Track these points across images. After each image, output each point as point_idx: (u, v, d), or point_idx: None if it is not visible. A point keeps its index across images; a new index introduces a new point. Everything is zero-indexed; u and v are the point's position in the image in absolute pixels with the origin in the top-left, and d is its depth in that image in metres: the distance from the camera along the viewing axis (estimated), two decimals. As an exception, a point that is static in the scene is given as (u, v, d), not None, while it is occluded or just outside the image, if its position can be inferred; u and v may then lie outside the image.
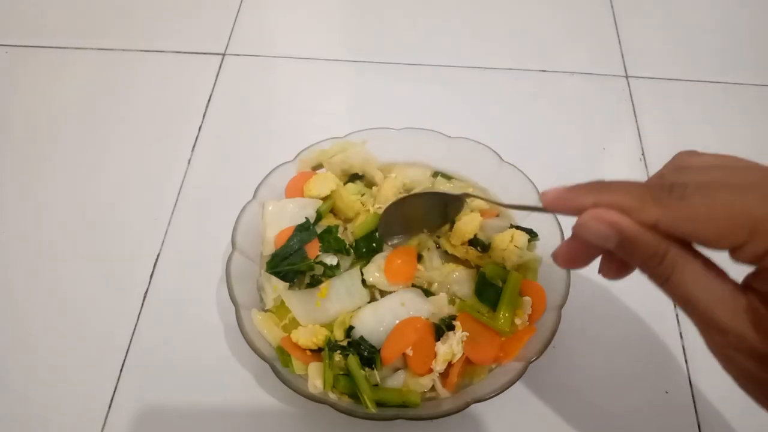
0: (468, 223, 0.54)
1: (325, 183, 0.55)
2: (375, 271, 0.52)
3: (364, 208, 0.56)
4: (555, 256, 0.35)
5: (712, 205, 0.27)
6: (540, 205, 0.33)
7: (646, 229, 0.29)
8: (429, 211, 0.52)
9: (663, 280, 0.29)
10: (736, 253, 0.27)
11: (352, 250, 0.53)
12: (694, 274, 0.28)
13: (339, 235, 0.53)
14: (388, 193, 0.56)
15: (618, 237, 0.29)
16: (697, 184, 0.28)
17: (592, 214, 0.30)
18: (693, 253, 0.29)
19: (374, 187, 0.58)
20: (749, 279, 0.29)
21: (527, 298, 0.50)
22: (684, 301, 0.29)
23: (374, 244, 0.54)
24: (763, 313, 0.27)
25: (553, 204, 0.32)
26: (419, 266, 0.53)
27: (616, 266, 0.34)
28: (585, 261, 0.35)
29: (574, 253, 0.34)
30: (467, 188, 0.59)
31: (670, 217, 0.28)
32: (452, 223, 0.55)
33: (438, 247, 0.55)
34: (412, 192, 0.55)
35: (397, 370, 0.48)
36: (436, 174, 0.60)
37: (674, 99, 0.74)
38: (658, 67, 0.77)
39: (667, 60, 0.78)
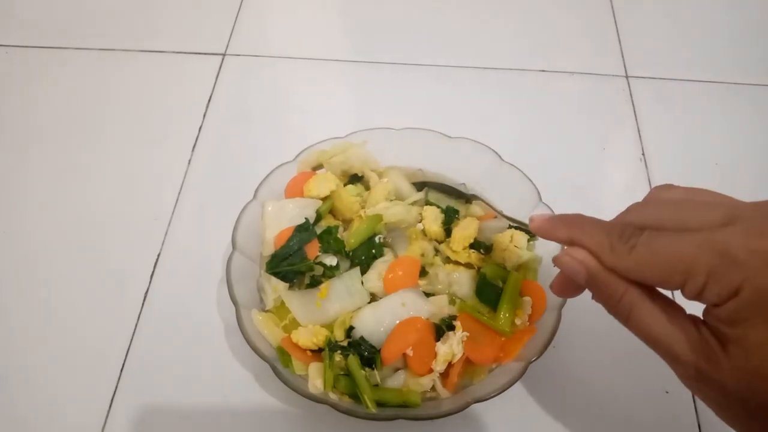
0: (466, 228, 0.54)
1: (324, 183, 0.55)
2: (376, 278, 0.52)
3: (358, 213, 0.56)
4: (551, 287, 0.41)
5: (654, 253, 0.31)
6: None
7: (607, 271, 0.33)
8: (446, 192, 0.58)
9: (624, 318, 0.33)
10: (683, 293, 0.30)
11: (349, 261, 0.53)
12: (651, 313, 0.32)
13: (338, 235, 0.53)
14: (379, 197, 0.56)
15: (585, 274, 0.33)
16: (650, 229, 0.31)
17: (567, 251, 0.34)
18: (651, 293, 0.32)
19: (366, 192, 0.58)
20: (703, 314, 0.31)
21: (527, 298, 0.50)
22: (645, 337, 0.32)
23: (373, 251, 0.53)
24: (713, 344, 0.30)
25: (536, 230, 0.37)
26: (421, 281, 0.53)
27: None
28: (576, 291, 0.39)
29: (565, 284, 0.39)
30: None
31: (622, 266, 0.32)
32: (449, 231, 0.55)
33: (437, 253, 0.55)
34: (434, 181, 0.59)
35: (397, 370, 0.48)
36: (423, 185, 0.59)
37: (674, 99, 0.74)
38: (658, 67, 0.77)
39: (667, 60, 0.78)
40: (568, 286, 0.39)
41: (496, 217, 0.57)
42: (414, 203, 0.57)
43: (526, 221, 0.44)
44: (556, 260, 0.35)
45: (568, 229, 0.35)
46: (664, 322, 0.31)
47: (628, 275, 0.32)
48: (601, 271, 0.33)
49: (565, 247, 0.36)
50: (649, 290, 0.32)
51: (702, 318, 0.31)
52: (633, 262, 0.31)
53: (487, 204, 0.53)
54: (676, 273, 0.30)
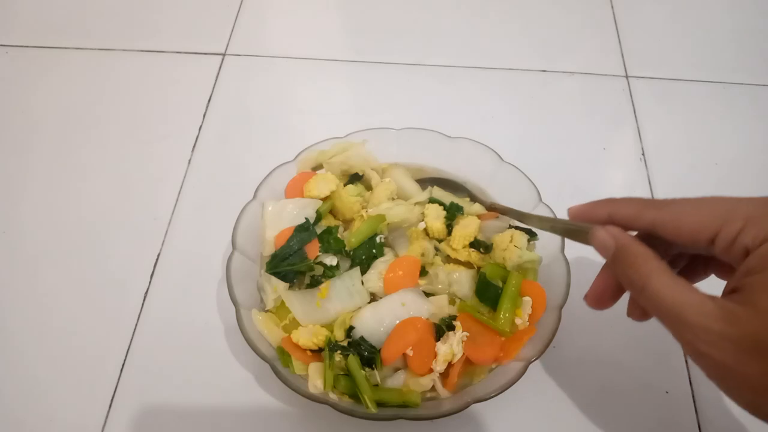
0: (466, 227, 0.54)
1: (324, 183, 0.55)
2: (376, 278, 0.52)
3: (359, 213, 0.56)
4: (585, 298, 0.41)
5: (693, 206, 0.34)
6: (566, 218, 0.42)
7: (635, 243, 0.35)
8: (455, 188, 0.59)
9: (640, 287, 0.34)
10: (715, 245, 0.33)
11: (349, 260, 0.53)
12: (667, 282, 0.33)
13: (339, 235, 0.53)
14: (381, 197, 0.56)
15: (614, 245, 0.36)
16: (684, 198, 0.35)
17: (604, 227, 0.37)
18: (668, 270, 0.34)
19: (368, 192, 0.58)
20: (727, 285, 0.34)
21: (527, 298, 0.50)
22: (657, 306, 0.33)
23: (374, 251, 0.53)
24: (729, 306, 0.31)
25: (576, 215, 0.40)
26: (422, 281, 0.53)
27: (641, 308, 0.39)
28: (610, 301, 0.40)
29: (600, 292, 0.40)
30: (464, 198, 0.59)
31: (661, 217, 0.35)
32: (450, 229, 0.55)
33: (438, 253, 0.55)
34: (450, 178, 0.60)
35: (397, 370, 0.48)
36: (431, 182, 0.59)
37: (674, 99, 0.74)
38: (658, 67, 0.77)
39: (667, 60, 0.78)
40: (604, 293, 0.40)
41: (497, 217, 0.57)
42: (417, 203, 0.57)
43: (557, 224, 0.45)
44: (592, 235, 0.38)
45: (606, 206, 0.38)
46: (678, 291, 0.32)
47: (666, 227, 0.35)
48: (629, 242, 0.35)
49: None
50: (666, 266, 0.34)
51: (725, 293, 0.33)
52: (671, 211, 0.35)
53: (505, 208, 0.53)
54: (715, 219, 0.32)
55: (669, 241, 0.36)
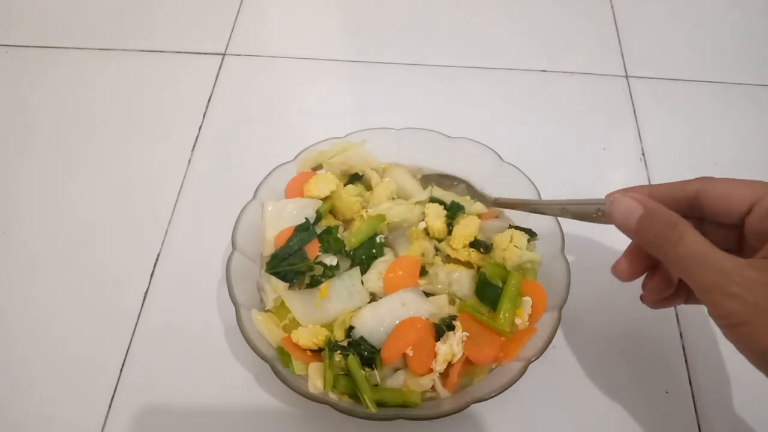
0: (467, 226, 0.54)
1: (324, 183, 0.55)
2: (376, 278, 0.52)
3: (359, 213, 0.56)
4: (612, 269, 0.42)
5: (734, 180, 0.38)
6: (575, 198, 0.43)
7: (663, 206, 0.37)
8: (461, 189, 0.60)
9: (674, 244, 0.35)
10: (750, 214, 0.36)
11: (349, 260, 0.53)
12: (701, 238, 0.35)
13: (339, 235, 0.53)
14: (381, 197, 0.56)
15: (642, 209, 0.37)
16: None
17: (625, 193, 0.39)
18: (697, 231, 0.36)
19: (368, 192, 0.58)
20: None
21: (527, 298, 0.50)
22: (692, 256, 0.34)
23: (373, 251, 0.53)
24: (764, 261, 0.33)
25: (612, 197, 0.41)
26: (422, 280, 0.53)
27: (656, 284, 0.42)
28: (636, 273, 0.42)
29: (628, 263, 0.42)
30: (465, 197, 0.59)
31: (705, 186, 0.38)
32: (450, 228, 0.55)
33: (438, 252, 0.55)
34: (454, 176, 0.60)
35: (397, 370, 0.48)
36: (428, 179, 0.60)
37: (674, 99, 0.74)
38: (658, 67, 0.77)
39: (667, 60, 0.78)
40: (631, 265, 0.41)
41: (497, 216, 0.57)
42: (418, 203, 0.57)
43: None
44: (612, 202, 0.39)
45: (646, 187, 0.40)
46: (713, 247, 0.34)
47: (710, 193, 0.38)
48: (659, 206, 0.37)
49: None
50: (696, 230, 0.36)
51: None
52: (716, 182, 0.38)
53: (511, 201, 0.53)
54: (755, 190, 0.36)
55: (707, 210, 0.38)
